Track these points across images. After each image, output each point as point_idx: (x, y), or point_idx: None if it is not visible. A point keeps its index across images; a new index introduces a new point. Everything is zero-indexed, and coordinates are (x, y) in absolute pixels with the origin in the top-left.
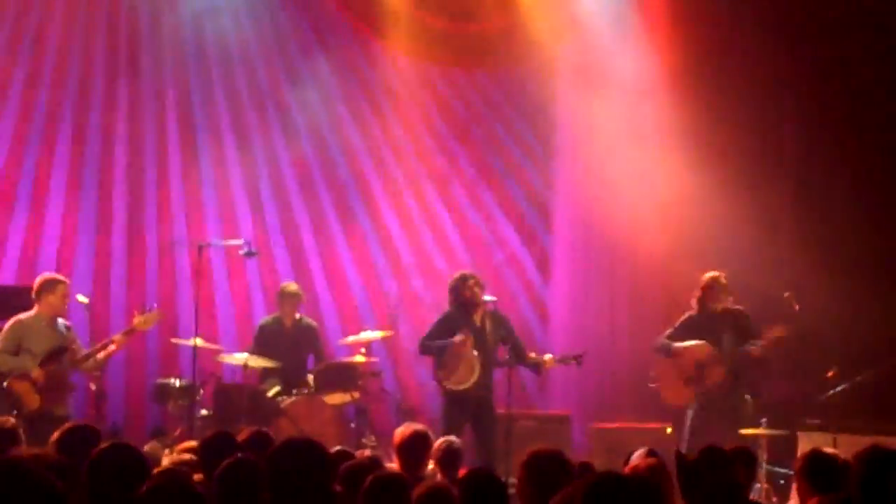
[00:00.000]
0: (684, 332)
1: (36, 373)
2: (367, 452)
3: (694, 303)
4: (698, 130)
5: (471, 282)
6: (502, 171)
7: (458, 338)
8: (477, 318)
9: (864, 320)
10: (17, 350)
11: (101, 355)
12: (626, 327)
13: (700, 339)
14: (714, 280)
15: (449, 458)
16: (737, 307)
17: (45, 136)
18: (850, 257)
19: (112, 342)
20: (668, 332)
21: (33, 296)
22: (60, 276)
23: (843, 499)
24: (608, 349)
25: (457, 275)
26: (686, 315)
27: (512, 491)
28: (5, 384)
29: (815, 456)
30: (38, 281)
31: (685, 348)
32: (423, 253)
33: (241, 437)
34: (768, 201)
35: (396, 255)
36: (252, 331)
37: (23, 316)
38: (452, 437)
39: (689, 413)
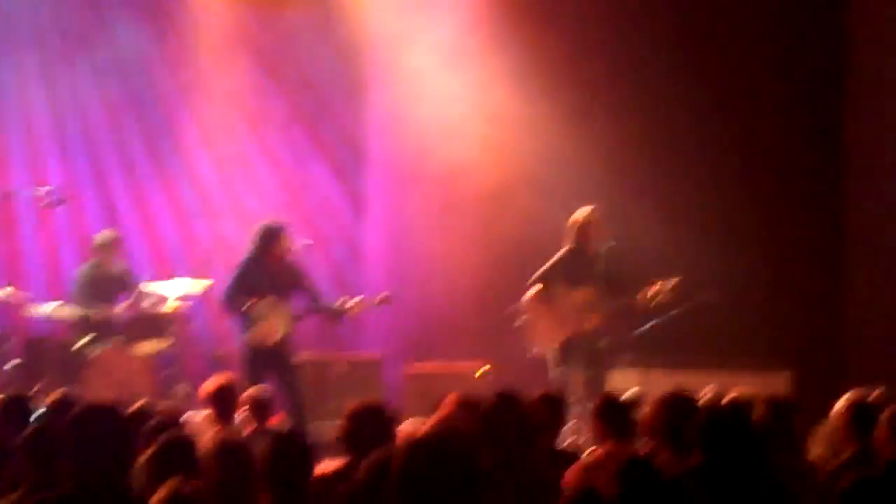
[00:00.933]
0: (561, 270)
1: None
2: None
3: (571, 240)
4: (528, 58)
5: (283, 234)
6: (314, 109)
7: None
8: (277, 268)
9: (684, 254)
10: None
11: None
12: (441, 264)
13: (576, 279)
14: (592, 218)
15: (258, 409)
16: (610, 250)
17: None
18: (680, 193)
19: None
20: (543, 269)
21: None
22: None
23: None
24: (423, 288)
25: (269, 225)
26: (563, 251)
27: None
28: None
29: (609, 400)
30: None
31: (568, 292)
32: (235, 196)
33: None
34: (605, 133)
35: (208, 198)
36: (61, 280)
37: None
38: (260, 387)
39: (552, 353)
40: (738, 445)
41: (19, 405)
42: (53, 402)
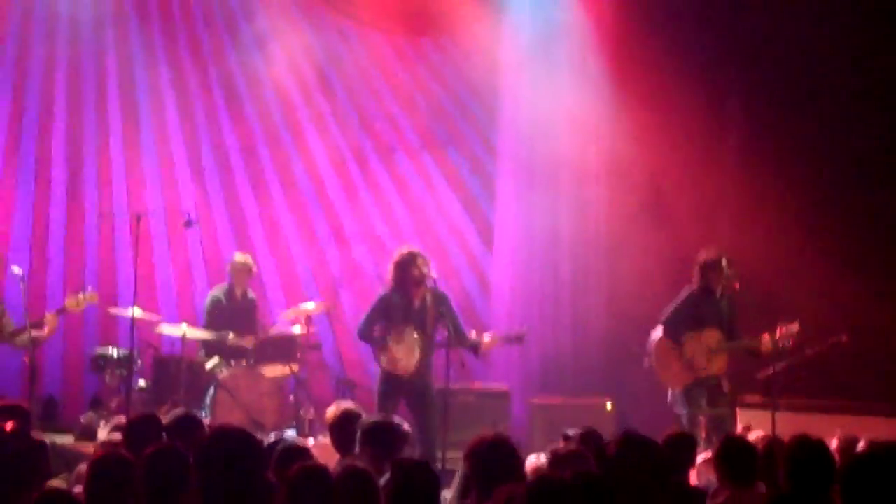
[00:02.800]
0: (686, 311)
1: None
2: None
3: (696, 280)
4: (660, 81)
5: (419, 260)
6: (446, 140)
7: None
8: (417, 299)
9: (818, 294)
10: None
11: (34, 333)
12: (569, 301)
13: (702, 320)
14: (717, 261)
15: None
16: (734, 292)
17: None
18: (804, 226)
19: (44, 322)
20: (670, 309)
21: None
22: None
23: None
24: (550, 323)
25: (404, 251)
26: (689, 292)
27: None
28: None
29: (732, 442)
30: None
31: (695, 335)
32: (366, 223)
33: (167, 420)
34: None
35: (339, 225)
36: (192, 301)
37: None
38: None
39: (678, 393)
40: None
41: (151, 425)
42: (176, 422)
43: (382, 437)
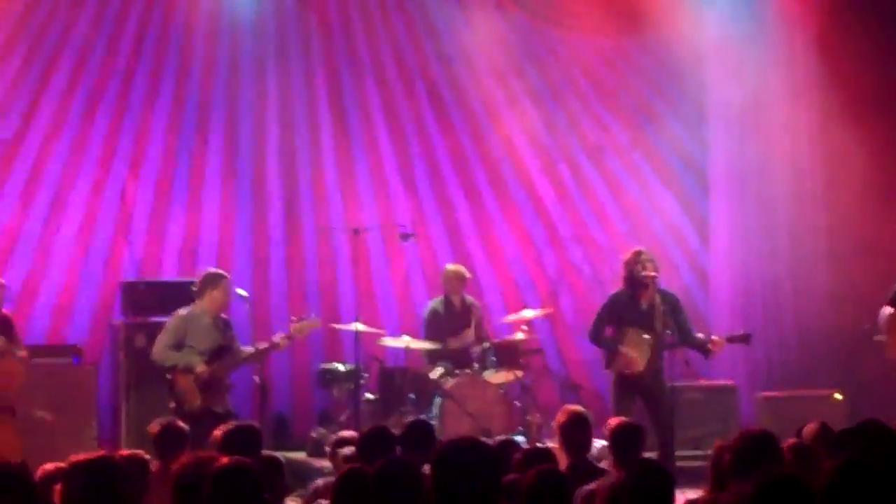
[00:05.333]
0: None
1: (200, 369)
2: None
3: None
4: (857, 83)
5: (643, 257)
6: (656, 138)
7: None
8: (645, 300)
9: None
10: (179, 345)
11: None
12: (791, 292)
13: None
14: None
15: (622, 439)
16: None
17: (197, 126)
18: None
19: (276, 346)
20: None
21: (196, 290)
22: (223, 272)
23: None
24: (773, 315)
25: (631, 251)
26: None
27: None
28: (169, 377)
29: None
30: (202, 276)
31: None
32: (581, 225)
33: (400, 430)
34: None
35: (553, 228)
36: (412, 313)
37: (184, 311)
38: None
39: None
40: None
41: (382, 438)
42: (409, 431)
43: (625, 440)
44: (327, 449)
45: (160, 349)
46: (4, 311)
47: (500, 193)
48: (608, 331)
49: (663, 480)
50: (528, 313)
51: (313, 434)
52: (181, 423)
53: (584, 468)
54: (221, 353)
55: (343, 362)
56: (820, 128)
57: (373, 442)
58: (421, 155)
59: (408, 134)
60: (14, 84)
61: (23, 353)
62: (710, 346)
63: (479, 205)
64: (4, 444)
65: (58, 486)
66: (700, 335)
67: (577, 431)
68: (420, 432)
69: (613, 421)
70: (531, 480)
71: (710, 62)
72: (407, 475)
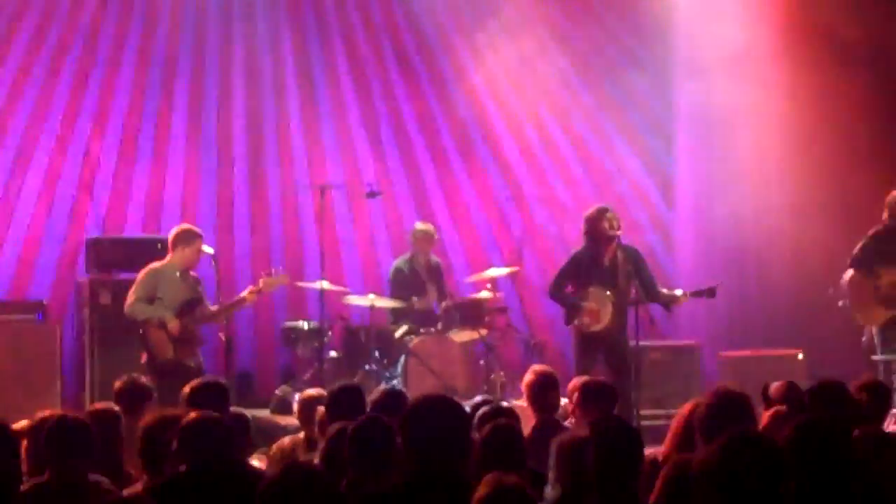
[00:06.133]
0: (875, 248)
1: (172, 323)
2: None
3: (888, 216)
4: (828, 35)
5: (608, 215)
6: (622, 99)
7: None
8: (607, 256)
9: None
10: (151, 299)
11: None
12: (754, 252)
13: (892, 257)
14: None
15: (586, 397)
16: None
17: (163, 83)
18: None
19: (245, 300)
20: (858, 249)
21: (169, 245)
22: (197, 229)
23: None
24: (736, 275)
25: (593, 208)
26: (874, 230)
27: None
28: (141, 332)
29: None
30: (175, 231)
31: (887, 271)
32: (546, 185)
33: (372, 397)
34: None
35: (519, 189)
36: (377, 272)
37: (157, 265)
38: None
39: (875, 331)
40: None
41: (352, 396)
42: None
43: (598, 397)
44: (295, 406)
45: (133, 303)
46: None
47: (465, 153)
48: (569, 288)
49: (630, 437)
50: (493, 272)
51: (277, 392)
52: (144, 380)
53: (552, 427)
54: (192, 306)
55: (307, 320)
56: (789, 83)
57: (342, 399)
58: (387, 114)
59: (374, 92)
60: None
61: None
62: (674, 300)
63: (444, 164)
64: None
65: (24, 443)
66: (664, 290)
67: (544, 391)
68: (393, 400)
69: (580, 379)
70: (486, 435)
71: (675, 16)
72: (385, 434)
